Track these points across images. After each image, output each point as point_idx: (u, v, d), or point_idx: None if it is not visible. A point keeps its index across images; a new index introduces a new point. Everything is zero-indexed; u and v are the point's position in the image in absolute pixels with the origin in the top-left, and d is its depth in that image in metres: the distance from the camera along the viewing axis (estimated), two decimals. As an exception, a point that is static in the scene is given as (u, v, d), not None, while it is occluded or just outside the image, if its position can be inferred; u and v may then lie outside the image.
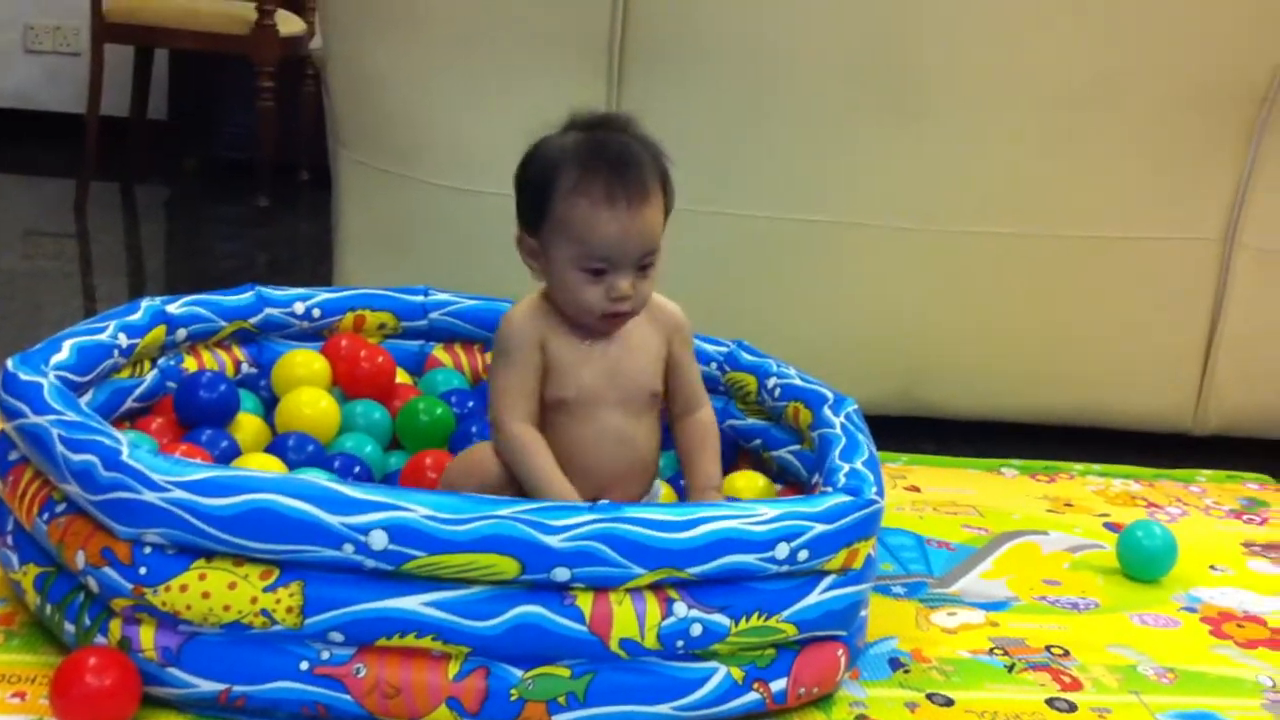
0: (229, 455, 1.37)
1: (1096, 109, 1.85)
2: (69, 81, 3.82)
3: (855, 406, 1.40)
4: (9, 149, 3.67)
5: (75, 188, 3.15)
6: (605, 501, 1.19)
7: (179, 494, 1.03)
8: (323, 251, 2.74)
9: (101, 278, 2.70)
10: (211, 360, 1.52)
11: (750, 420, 1.56)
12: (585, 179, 1.17)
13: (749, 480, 1.47)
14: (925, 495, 1.71)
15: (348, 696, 1.04)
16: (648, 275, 1.21)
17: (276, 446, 1.39)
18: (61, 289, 2.53)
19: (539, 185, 1.20)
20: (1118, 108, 1.85)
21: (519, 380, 1.23)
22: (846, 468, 1.23)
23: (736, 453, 1.57)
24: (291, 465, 1.35)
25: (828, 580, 1.14)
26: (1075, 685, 1.25)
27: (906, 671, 1.24)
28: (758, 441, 1.55)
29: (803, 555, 1.12)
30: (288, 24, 3.24)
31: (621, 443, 1.26)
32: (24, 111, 3.89)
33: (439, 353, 1.67)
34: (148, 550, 1.04)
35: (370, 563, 1.03)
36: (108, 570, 1.05)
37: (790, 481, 1.49)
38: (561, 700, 1.06)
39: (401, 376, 1.62)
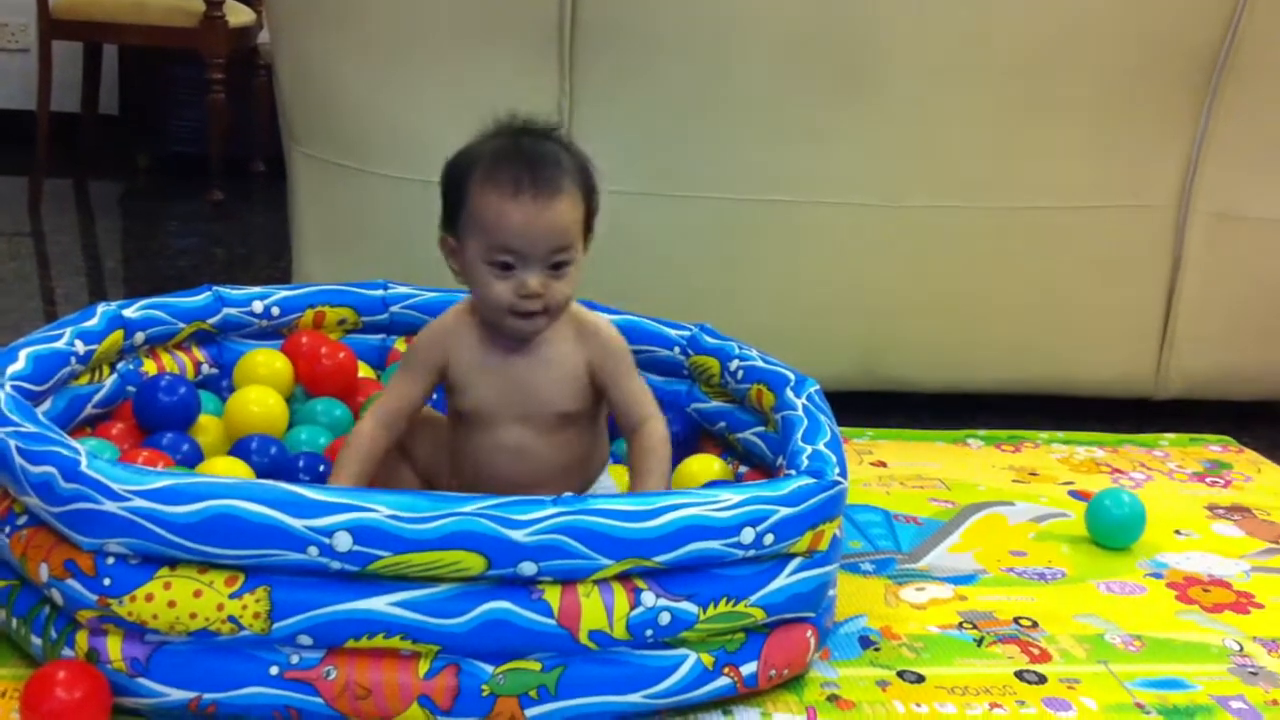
0: (191, 459, 1.36)
1: (1048, 79, 1.85)
2: (17, 78, 3.76)
3: (817, 387, 1.40)
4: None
5: (28, 186, 3.12)
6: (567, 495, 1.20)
7: (140, 503, 1.02)
8: (281, 244, 2.72)
9: (59, 278, 2.67)
10: (171, 363, 1.51)
11: (714, 403, 1.57)
12: (496, 172, 1.17)
13: (704, 464, 1.47)
14: (892, 470, 1.72)
15: (319, 699, 1.04)
16: (562, 276, 1.19)
17: (240, 449, 1.38)
18: (19, 291, 2.50)
19: (455, 182, 1.21)
20: (1070, 77, 1.86)
21: (398, 387, 1.26)
22: (809, 450, 1.23)
23: (699, 436, 1.58)
24: (255, 467, 1.34)
25: (794, 563, 1.15)
26: (1044, 657, 1.26)
27: (877, 649, 1.25)
28: (722, 424, 1.55)
29: (768, 539, 1.12)
30: (237, 15, 3.21)
31: (520, 457, 1.25)
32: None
33: (401, 346, 1.66)
34: (111, 561, 1.04)
35: (336, 565, 1.03)
36: (71, 582, 1.04)
37: (755, 464, 1.49)
38: (533, 694, 1.06)
39: (364, 371, 1.61)
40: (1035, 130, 1.88)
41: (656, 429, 1.26)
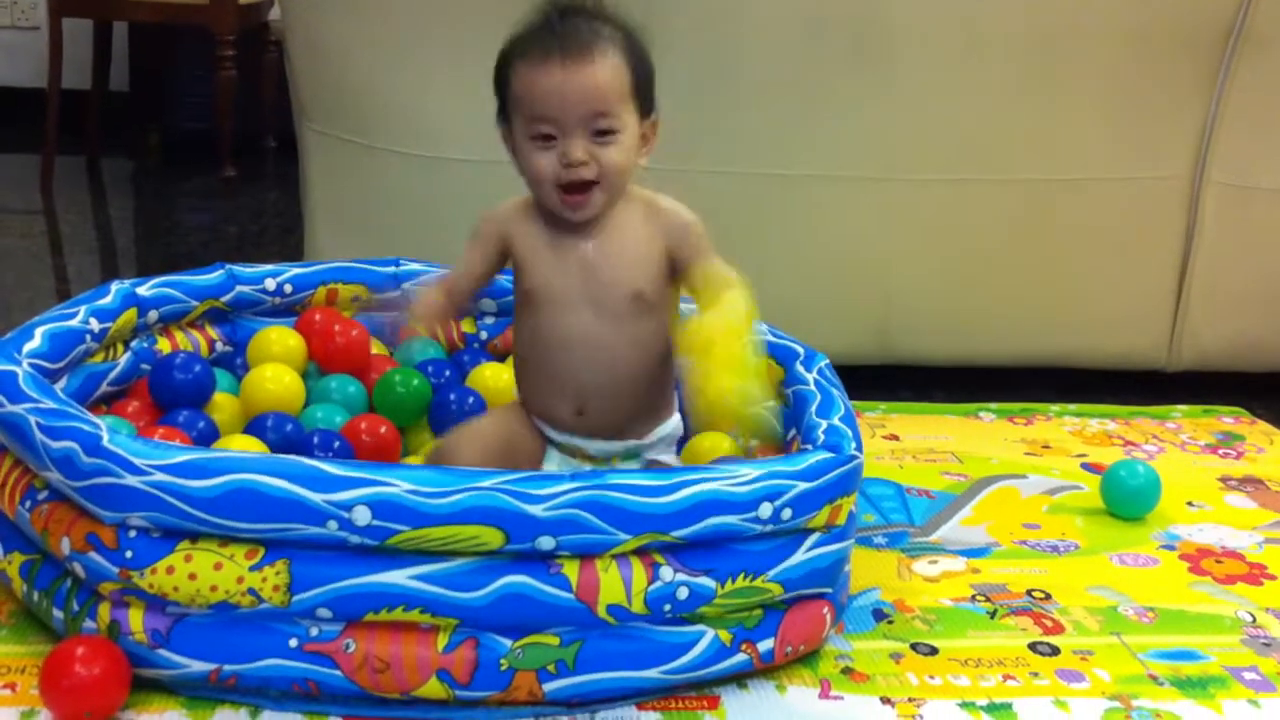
0: (207, 436, 1.37)
1: (1062, 50, 1.85)
2: (28, 56, 3.76)
3: (826, 361, 1.41)
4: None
5: (39, 165, 3.12)
6: (590, 470, 1.21)
7: (161, 477, 1.03)
8: (292, 220, 2.73)
9: (71, 257, 2.68)
10: (185, 341, 1.52)
11: (727, 377, 1.56)
12: (529, 46, 1.18)
13: (714, 440, 1.47)
14: (904, 443, 1.72)
15: (338, 672, 1.05)
16: (610, 143, 1.17)
17: (255, 427, 1.38)
18: (32, 269, 2.51)
19: (499, 69, 1.22)
20: (1084, 48, 1.85)
21: (463, 257, 1.27)
22: (824, 424, 1.24)
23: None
24: (270, 444, 1.35)
25: (812, 538, 1.15)
26: (1057, 629, 1.26)
27: (890, 622, 1.26)
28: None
29: (786, 514, 1.13)
30: (246, -9, 3.21)
31: (594, 349, 1.22)
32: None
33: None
34: (132, 534, 1.05)
35: (355, 539, 1.04)
36: (93, 555, 1.05)
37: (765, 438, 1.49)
38: (551, 668, 1.07)
39: (377, 348, 1.62)
40: (1048, 102, 1.87)
41: (740, 289, 1.19)
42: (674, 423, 1.33)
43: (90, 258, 2.68)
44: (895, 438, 1.75)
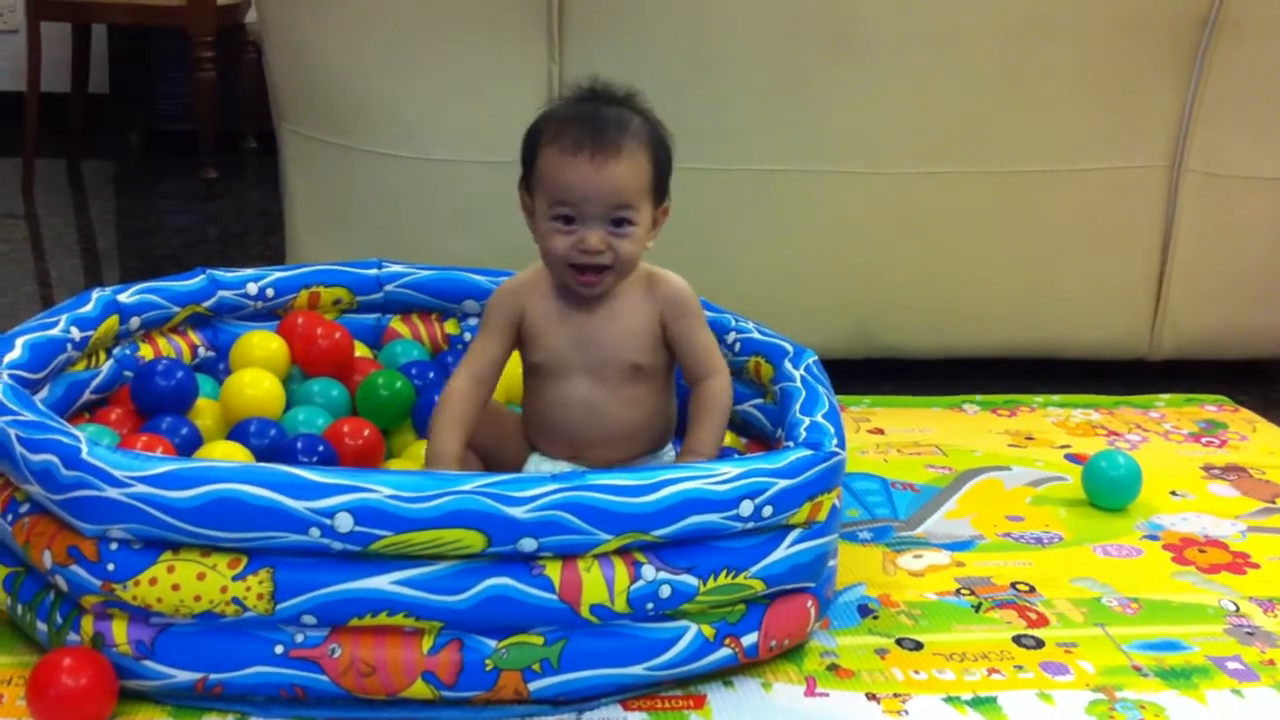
0: (190, 442, 1.37)
1: (1039, 42, 1.85)
2: (6, 60, 3.75)
3: (815, 358, 1.41)
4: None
5: (20, 168, 3.11)
6: (572, 469, 1.21)
7: (141, 489, 1.03)
8: (274, 221, 2.72)
9: (53, 260, 2.67)
10: (167, 347, 1.51)
11: (711, 375, 1.57)
12: (562, 131, 1.24)
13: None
14: (889, 437, 1.73)
15: (324, 677, 1.05)
16: (625, 234, 1.24)
17: (238, 433, 1.38)
18: (13, 274, 2.50)
19: (528, 142, 1.28)
20: (1060, 39, 1.85)
21: (480, 344, 1.32)
22: (807, 421, 1.24)
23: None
24: (254, 450, 1.34)
25: (793, 534, 1.16)
26: (1041, 621, 1.27)
27: (875, 618, 1.26)
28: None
29: (767, 511, 1.13)
30: (224, -8, 3.19)
31: (590, 411, 1.29)
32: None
33: (397, 324, 1.66)
34: (114, 546, 1.04)
35: (337, 545, 1.04)
36: (75, 568, 1.05)
37: (754, 436, 1.50)
38: (536, 667, 1.07)
39: (360, 350, 1.62)
40: (1026, 94, 1.88)
41: (718, 383, 1.31)
42: (667, 453, 1.36)
43: (72, 261, 2.67)
44: (880, 431, 1.75)
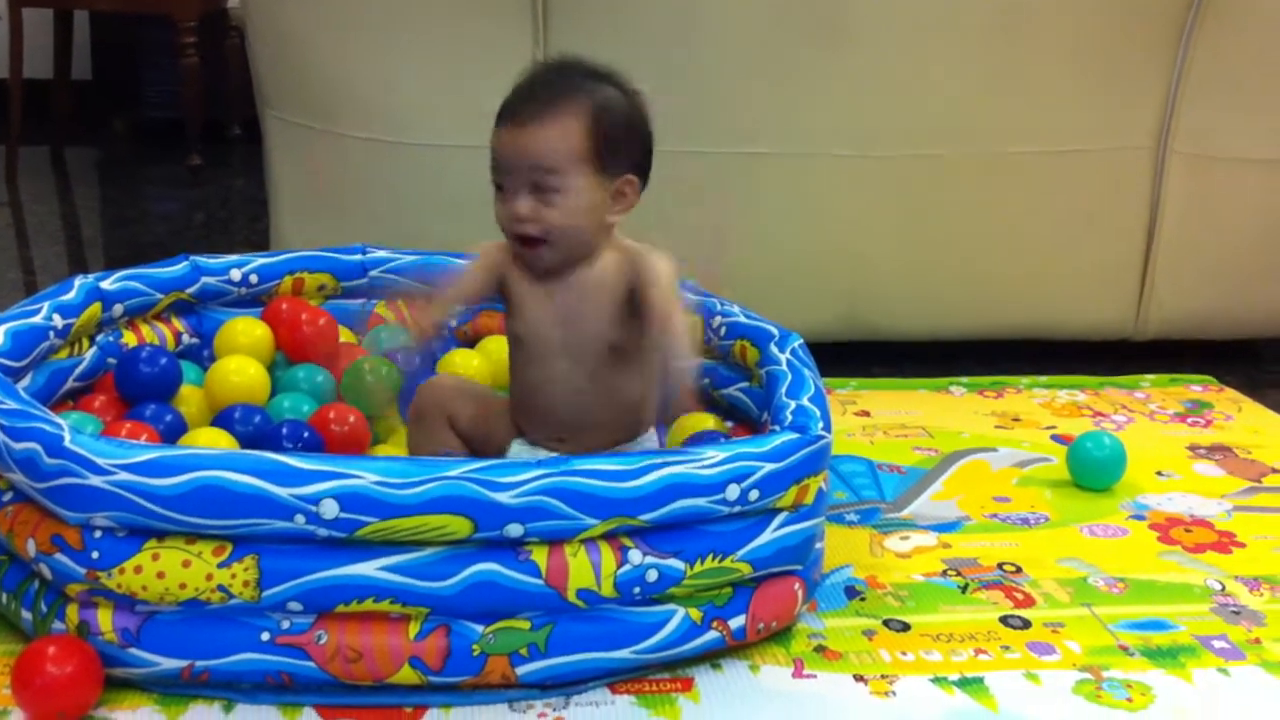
0: (174, 429, 1.36)
1: (1025, 24, 1.85)
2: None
3: (800, 342, 1.41)
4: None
5: (3, 155, 3.09)
6: (554, 456, 1.21)
7: (125, 476, 1.02)
8: (259, 207, 2.71)
9: (37, 248, 2.65)
10: (151, 334, 1.51)
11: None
12: (504, 101, 1.23)
13: (697, 420, 1.48)
14: (875, 419, 1.73)
15: (311, 663, 1.05)
16: (551, 203, 1.20)
17: (223, 419, 1.38)
18: (-2, 262, 2.49)
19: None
20: (1046, 21, 1.85)
21: (455, 278, 1.29)
22: (793, 404, 1.24)
23: (684, 393, 1.57)
24: (239, 437, 1.34)
25: (780, 518, 1.16)
26: (1028, 601, 1.27)
27: (862, 599, 1.26)
28: (706, 380, 1.55)
29: (753, 495, 1.13)
30: (207, -23, 3.18)
31: (574, 392, 1.26)
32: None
33: (381, 309, 1.66)
34: (98, 534, 1.04)
35: (323, 532, 1.03)
36: (59, 557, 1.05)
37: (740, 420, 1.50)
38: (523, 652, 1.07)
39: (346, 336, 1.61)
40: (1013, 76, 1.88)
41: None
42: (649, 438, 1.34)
43: (57, 248, 2.66)
44: (866, 414, 1.75)
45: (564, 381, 1.26)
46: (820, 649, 1.17)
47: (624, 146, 1.23)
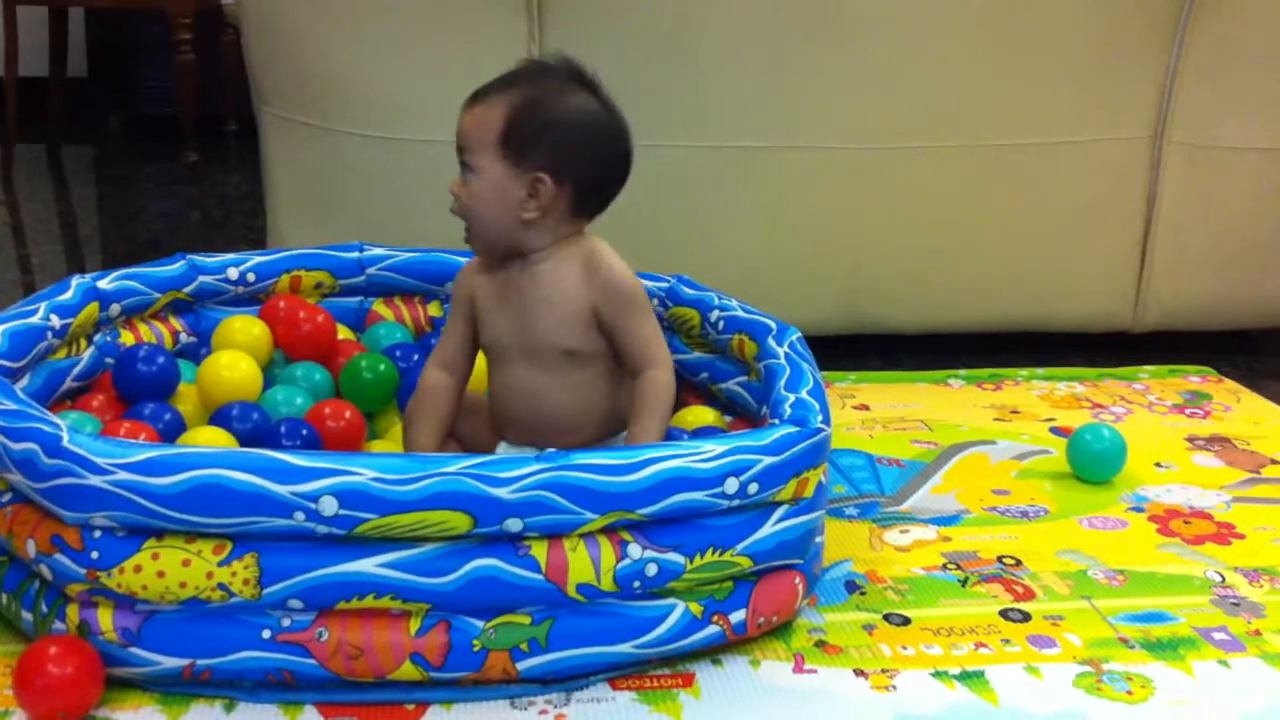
0: (173, 428, 1.36)
1: (1021, 15, 1.85)
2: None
3: (798, 335, 1.41)
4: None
5: (0, 154, 3.09)
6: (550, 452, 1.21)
7: (124, 475, 1.02)
8: (256, 204, 2.71)
9: (34, 246, 2.65)
10: (149, 333, 1.51)
11: (695, 354, 1.57)
12: None
13: (698, 415, 1.48)
14: (874, 413, 1.73)
15: (312, 661, 1.05)
16: (467, 183, 1.24)
17: (220, 417, 1.38)
18: (-5, 261, 2.49)
19: None
20: (1042, 11, 1.85)
21: (447, 328, 1.34)
22: (792, 398, 1.24)
23: (683, 388, 1.58)
24: (237, 434, 1.34)
25: (780, 511, 1.16)
26: (1028, 595, 1.27)
27: (862, 594, 1.26)
28: (704, 375, 1.55)
29: (752, 489, 1.13)
30: (202, -27, 3.17)
31: (529, 395, 1.28)
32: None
33: (379, 307, 1.66)
34: (97, 534, 1.04)
35: (322, 529, 1.03)
36: (59, 557, 1.05)
37: (739, 414, 1.50)
38: (524, 647, 1.07)
39: (344, 333, 1.61)
40: (1009, 67, 1.88)
41: (657, 376, 1.26)
42: (619, 441, 1.33)
43: (54, 247, 2.66)
44: (865, 407, 1.75)
45: (523, 384, 1.28)
46: (820, 644, 1.17)
47: (537, 142, 1.22)
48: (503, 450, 1.32)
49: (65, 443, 1.04)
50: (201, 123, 3.24)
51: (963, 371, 1.91)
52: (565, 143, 1.23)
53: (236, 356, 1.46)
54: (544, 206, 1.23)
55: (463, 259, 1.63)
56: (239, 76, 2.99)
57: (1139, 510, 1.47)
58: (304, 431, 1.36)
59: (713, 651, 1.15)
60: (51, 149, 3.41)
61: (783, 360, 1.34)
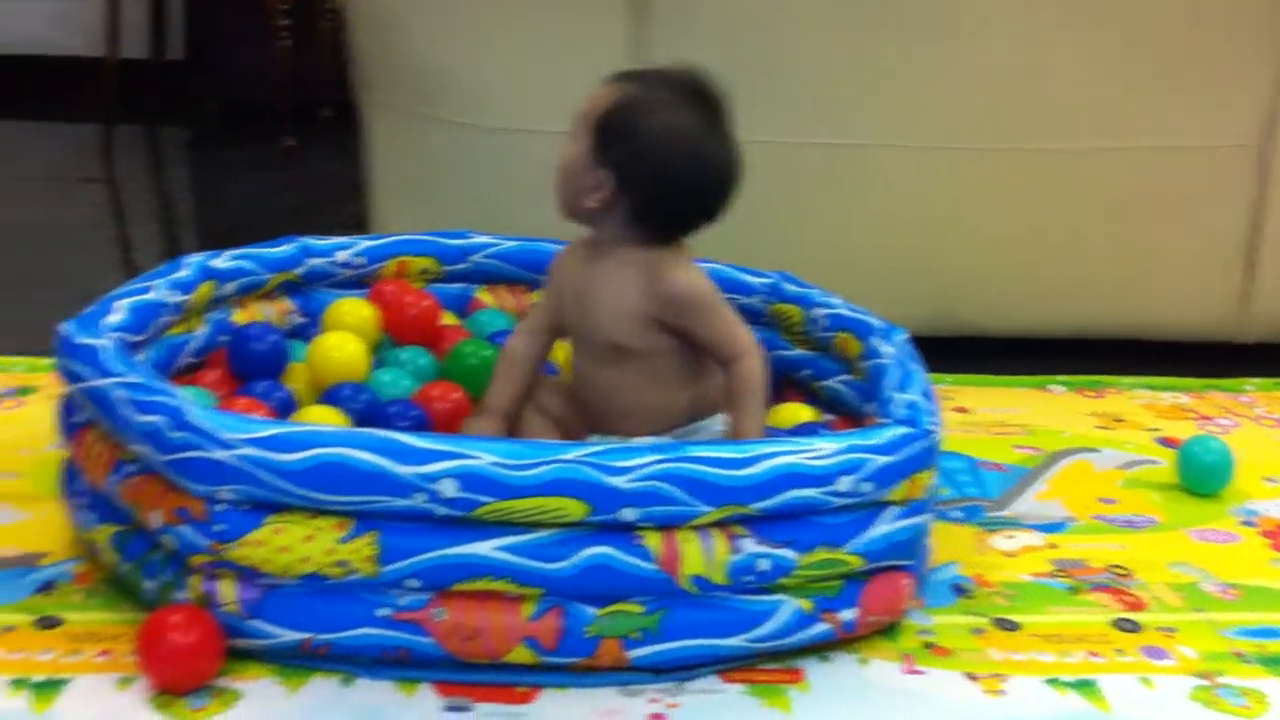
0: (284, 405, 1.38)
1: (1124, 15, 1.82)
2: (83, 26, 3.78)
3: (905, 335, 1.40)
4: (22, 97, 3.64)
5: (98, 134, 3.15)
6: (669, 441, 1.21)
7: (249, 451, 1.04)
8: (349, 190, 2.73)
9: (133, 226, 2.70)
10: (260, 312, 1.53)
11: (797, 351, 1.56)
12: None
13: (795, 412, 1.48)
14: (974, 416, 1.72)
15: (429, 639, 1.06)
16: (567, 143, 1.26)
17: (331, 397, 1.39)
18: (94, 238, 2.53)
19: None
20: (1146, 12, 1.82)
21: (539, 299, 1.40)
22: (902, 398, 1.23)
23: (783, 384, 1.57)
24: (348, 414, 1.35)
25: (891, 511, 1.15)
26: (1139, 605, 1.26)
27: (970, 597, 1.25)
28: (806, 372, 1.55)
29: (865, 488, 1.12)
30: (302, -40, 3.21)
31: (585, 384, 1.30)
32: (35, 57, 3.86)
33: (482, 294, 1.67)
34: (222, 507, 1.05)
35: (441, 510, 1.04)
36: (184, 528, 1.06)
37: (841, 412, 1.49)
38: (636, 635, 1.07)
39: (447, 318, 1.62)
40: (1110, 69, 1.85)
41: (744, 366, 1.25)
42: (719, 421, 1.32)
43: (151, 227, 2.71)
44: (964, 410, 1.74)
45: (578, 369, 1.32)
46: (929, 645, 1.17)
47: (615, 142, 1.22)
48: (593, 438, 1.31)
49: (192, 416, 1.06)
50: (296, 108, 3.27)
51: (1063, 377, 1.89)
52: (639, 156, 1.22)
53: (345, 338, 1.47)
54: (604, 203, 1.24)
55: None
56: (335, 63, 3.02)
57: (1250, 524, 1.44)
58: (413, 413, 1.37)
59: (820, 648, 1.14)
60: (149, 130, 3.46)
61: (890, 360, 1.33)
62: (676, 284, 1.24)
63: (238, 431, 1.05)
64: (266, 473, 1.03)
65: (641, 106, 1.22)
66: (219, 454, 1.04)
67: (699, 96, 1.24)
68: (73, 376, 1.18)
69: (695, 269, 1.27)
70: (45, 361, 1.70)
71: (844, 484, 1.11)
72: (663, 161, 1.22)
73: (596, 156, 1.23)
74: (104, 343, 1.19)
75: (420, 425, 1.36)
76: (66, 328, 1.22)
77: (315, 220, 2.75)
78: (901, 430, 1.17)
